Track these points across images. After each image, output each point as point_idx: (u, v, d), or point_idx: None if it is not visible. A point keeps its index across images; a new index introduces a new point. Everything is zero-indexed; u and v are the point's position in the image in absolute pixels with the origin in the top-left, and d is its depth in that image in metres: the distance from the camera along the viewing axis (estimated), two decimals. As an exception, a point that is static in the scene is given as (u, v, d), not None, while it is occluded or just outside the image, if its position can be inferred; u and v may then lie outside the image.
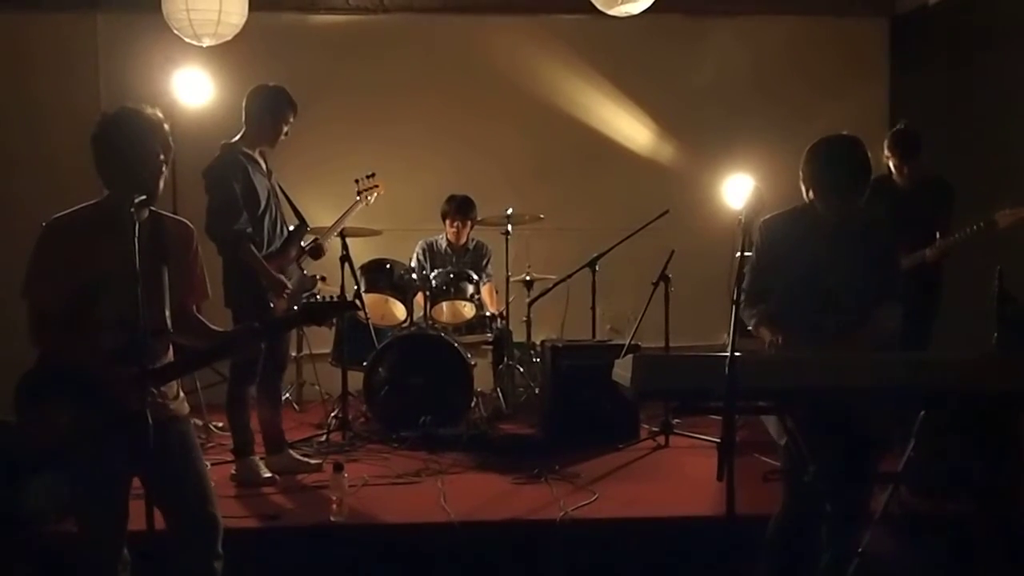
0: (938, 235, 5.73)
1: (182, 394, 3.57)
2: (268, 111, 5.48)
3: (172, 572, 3.46)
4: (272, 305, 5.30)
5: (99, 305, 3.27)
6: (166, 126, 3.40)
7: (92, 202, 3.40)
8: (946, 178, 5.98)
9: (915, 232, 5.67)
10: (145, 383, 3.09)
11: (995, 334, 5.07)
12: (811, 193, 3.73)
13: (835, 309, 3.68)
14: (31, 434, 3.34)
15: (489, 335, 7.31)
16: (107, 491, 3.33)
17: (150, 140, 3.34)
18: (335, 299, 3.77)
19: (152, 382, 3.23)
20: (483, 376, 7.26)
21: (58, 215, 3.35)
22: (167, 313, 3.39)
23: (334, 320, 7.14)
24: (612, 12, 6.29)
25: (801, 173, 3.75)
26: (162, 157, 3.37)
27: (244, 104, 5.52)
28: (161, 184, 3.39)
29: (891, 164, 5.84)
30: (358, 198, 6.47)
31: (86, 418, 3.23)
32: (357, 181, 6.54)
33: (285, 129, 5.54)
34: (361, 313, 6.73)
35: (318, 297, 3.81)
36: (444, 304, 7.05)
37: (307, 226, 5.75)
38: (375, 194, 6.55)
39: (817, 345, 3.62)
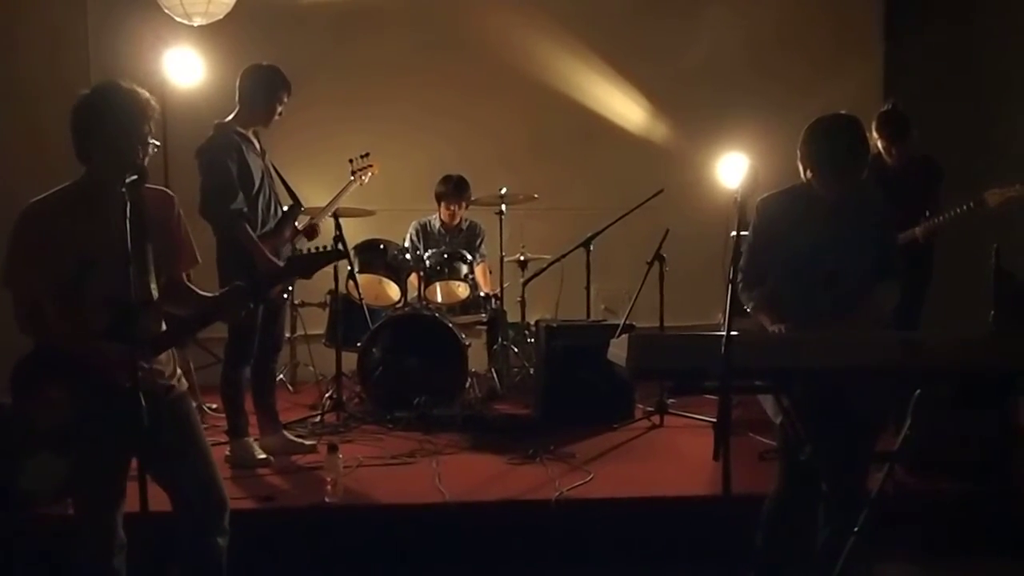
0: (928, 214, 5.72)
1: (179, 372, 3.55)
2: (262, 91, 5.44)
3: (177, 549, 3.46)
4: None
5: (85, 286, 3.24)
6: (154, 103, 3.36)
7: (67, 184, 3.35)
8: (935, 156, 5.96)
9: (905, 211, 5.64)
10: (135, 357, 3.06)
11: (992, 312, 5.07)
12: (809, 173, 3.71)
13: (833, 288, 3.66)
14: (28, 418, 3.33)
15: (483, 315, 7.30)
16: (104, 471, 3.32)
17: (140, 116, 3.29)
18: (322, 249, 3.75)
19: (143, 355, 3.21)
20: (478, 356, 7.24)
21: (33, 200, 3.31)
22: (152, 285, 3.37)
23: (327, 299, 7.14)
24: (606, -10, 6.27)
25: (799, 153, 3.73)
26: (150, 139, 3.34)
27: (238, 83, 5.47)
28: (146, 163, 3.35)
29: (879, 144, 5.82)
30: (352, 177, 6.43)
31: (82, 399, 3.22)
32: (351, 161, 6.49)
33: (279, 109, 5.50)
34: (355, 293, 6.71)
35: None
36: (438, 284, 7.03)
37: (301, 206, 5.72)
38: (369, 173, 6.50)
39: (814, 324, 3.60)
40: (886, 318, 3.72)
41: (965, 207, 5.61)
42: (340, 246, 6.35)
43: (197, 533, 3.49)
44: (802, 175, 3.75)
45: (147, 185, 3.42)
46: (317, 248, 3.77)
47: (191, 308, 3.54)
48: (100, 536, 3.36)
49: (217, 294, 3.58)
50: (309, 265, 3.69)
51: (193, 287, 3.59)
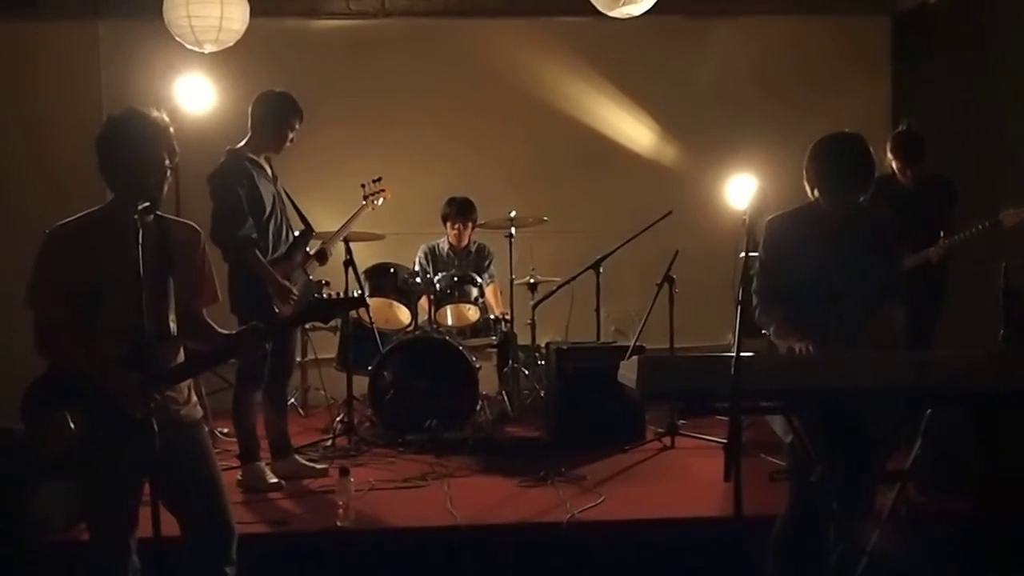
0: (942, 234, 5.71)
1: (194, 399, 3.56)
2: (273, 117, 5.48)
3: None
4: (278, 311, 5.30)
5: (103, 312, 3.26)
6: (172, 130, 3.39)
7: (94, 209, 3.39)
8: (951, 178, 5.97)
9: (919, 232, 5.66)
10: (149, 388, 3.07)
11: (1001, 331, 5.06)
12: (816, 192, 3.73)
13: (840, 309, 3.67)
14: (39, 443, 3.33)
15: (494, 338, 7.31)
16: (116, 497, 3.32)
17: (156, 144, 3.33)
18: (341, 295, 3.76)
19: (156, 387, 3.22)
20: (488, 379, 7.24)
21: (60, 223, 3.34)
22: (171, 317, 3.38)
23: (338, 323, 7.16)
24: (613, 13, 6.29)
25: (805, 172, 3.76)
26: (167, 162, 3.37)
27: (250, 109, 5.52)
28: (165, 189, 3.38)
29: (894, 166, 5.82)
30: (364, 202, 6.45)
31: (93, 426, 3.22)
32: (363, 186, 6.52)
33: (291, 136, 5.53)
34: (366, 317, 6.73)
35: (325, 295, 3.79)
36: (448, 307, 7.04)
37: (312, 231, 5.75)
38: (381, 198, 6.53)
39: (823, 345, 3.61)
40: (894, 339, 3.72)
41: (980, 227, 5.61)
42: (351, 270, 6.39)
43: (204, 562, 3.48)
44: (810, 194, 3.78)
45: (175, 218, 3.45)
46: (337, 294, 3.78)
47: (206, 343, 3.56)
48: (113, 561, 3.36)
49: (233, 333, 3.60)
50: (327, 311, 3.70)
51: (211, 322, 3.60)
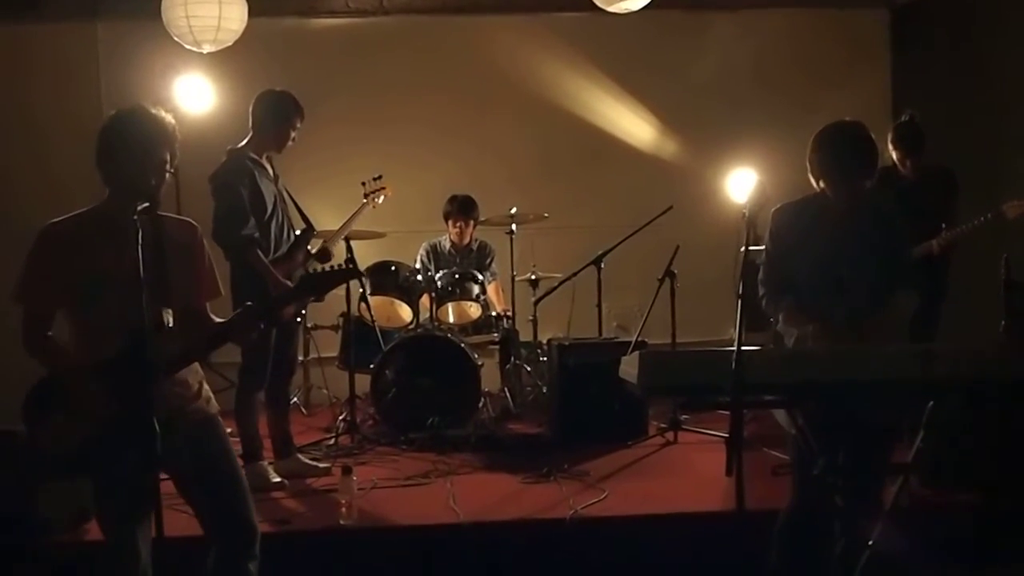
0: (944, 226, 5.70)
1: (207, 393, 3.51)
2: (274, 116, 5.48)
3: (207, 573, 3.44)
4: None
5: (98, 309, 3.24)
6: (177, 131, 3.38)
7: (89, 207, 3.37)
8: (950, 168, 5.96)
9: (921, 223, 5.64)
10: (147, 381, 3.04)
11: (1002, 322, 5.06)
12: (821, 182, 3.72)
13: (847, 298, 3.66)
14: (41, 445, 3.32)
15: (495, 335, 7.31)
16: (123, 498, 3.27)
17: (160, 145, 3.30)
18: (336, 268, 3.73)
19: (155, 379, 3.19)
20: (490, 376, 7.25)
21: (54, 220, 3.31)
22: (167, 311, 3.35)
23: (339, 322, 7.16)
24: (612, 9, 6.29)
25: (808, 163, 3.75)
26: (168, 164, 3.35)
27: (251, 109, 5.51)
28: (163, 190, 3.37)
29: (895, 156, 5.81)
30: (365, 200, 6.46)
31: (95, 426, 3.20)
32: (364, 184, 6.53)
33: (292, 134, 5.53)
34: (367, 315, 6.73)
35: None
36: (450, 305, 7.04)
37: (314, 230, 5.75)
38: (382, 196, 6.54)
39: (829, 335, 3.60)
40: (902, 328, 3.72)
41: (983, 219, 5.60)
42: (351, 267, 6.39)
43: (227, 559, 3.46)
44: (815, 185, 3.77)
45: (171, 215, 3.43)
46: (331, 267, 3.75)
47: None
48: (122, 560, 3.31)
49: (228, 319, 3.57)
50: (322, 284, 3.67)
51: (213, 317, 3.56)
